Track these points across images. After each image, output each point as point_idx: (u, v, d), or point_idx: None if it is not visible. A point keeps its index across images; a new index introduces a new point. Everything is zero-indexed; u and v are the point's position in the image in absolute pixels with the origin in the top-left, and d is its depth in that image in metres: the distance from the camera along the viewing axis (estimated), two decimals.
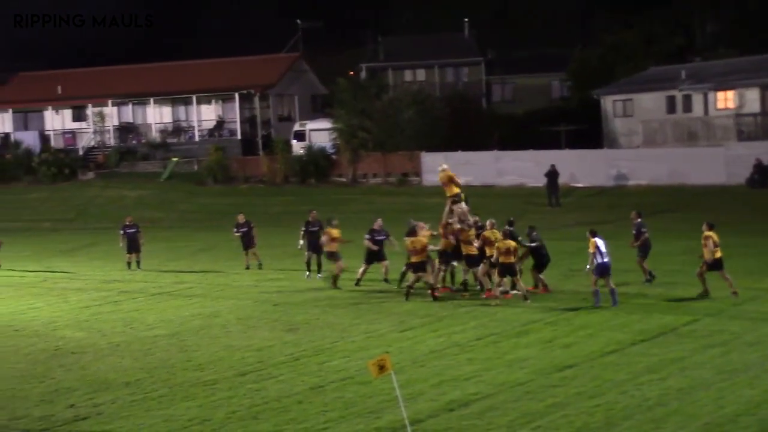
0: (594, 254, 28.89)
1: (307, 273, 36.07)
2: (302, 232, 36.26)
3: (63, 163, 74.61)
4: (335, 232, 34.39)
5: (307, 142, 71.70)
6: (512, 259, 29.65)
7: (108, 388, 21.95)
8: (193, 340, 26.71)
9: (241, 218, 39.87)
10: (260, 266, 39.15)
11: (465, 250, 31.14)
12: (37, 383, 22.74)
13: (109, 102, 78.87)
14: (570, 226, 49.32)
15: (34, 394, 21.77)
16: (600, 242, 29.02)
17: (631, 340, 24.39)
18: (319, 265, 35.98)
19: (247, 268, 39.07)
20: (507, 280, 30.53)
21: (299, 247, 36.53)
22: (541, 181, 59.83)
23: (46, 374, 23.56)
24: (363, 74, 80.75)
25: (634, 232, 32.19)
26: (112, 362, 24.53)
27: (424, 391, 20.55)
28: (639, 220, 32.28)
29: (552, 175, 58.54)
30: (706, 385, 20.06)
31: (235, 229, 39.79)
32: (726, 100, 65.38)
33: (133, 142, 78.91)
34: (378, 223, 34.38)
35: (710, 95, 65.84)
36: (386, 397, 19.74)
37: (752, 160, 57.89)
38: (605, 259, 28.86)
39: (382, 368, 16.93)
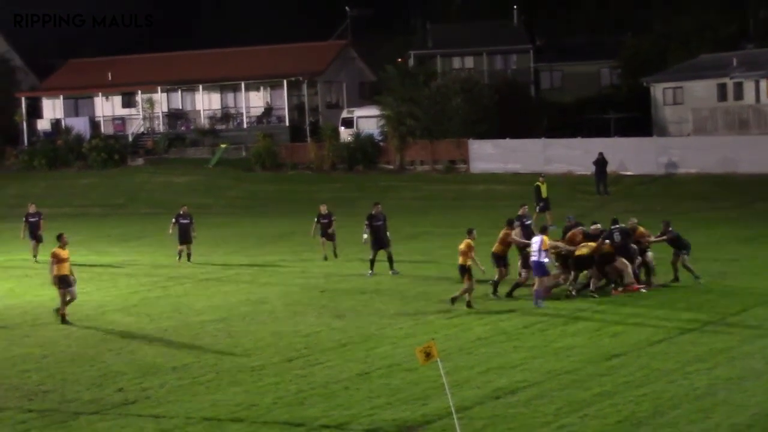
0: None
1: (370, 272, 33.92)
2: (366, 226, 34.57)
3: (113, 149, 75.06)
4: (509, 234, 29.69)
5: (354, 129, 71.73)
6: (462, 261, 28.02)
7: (156, 373, 22.14)
8: (240, 326, 26.86)
9: (323, 209, 38.62)
10: (336, 255, 38.01)
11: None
12: (87, 367, 22.98)
13: (159, 88, 79.19)
14: (618, 214, 48.90)
15: (85, 378, 22.00)
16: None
17: (680, 329, 24.24)
18: (390, 260, 34.16)
19: (325, 258, 37.88)
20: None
21: (363, 241, 35.01)
22: (589, 169, 59.44)
23: (96, 358, 23.81)
24: (411, 61, 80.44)
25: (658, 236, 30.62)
26: (161, 347, 24.74)
27: (471, 379, 20.54)
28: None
29: (600, 163, 58.18)
30: (756, 375, 19.90)
31: (316, 219, 38.57)
32: None
33: (182, 128, 79.23)
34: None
35: (762, 83, 65.05)
36: (433, 384, 19.75)
37: None
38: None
39: (428, 355, 16.93)
